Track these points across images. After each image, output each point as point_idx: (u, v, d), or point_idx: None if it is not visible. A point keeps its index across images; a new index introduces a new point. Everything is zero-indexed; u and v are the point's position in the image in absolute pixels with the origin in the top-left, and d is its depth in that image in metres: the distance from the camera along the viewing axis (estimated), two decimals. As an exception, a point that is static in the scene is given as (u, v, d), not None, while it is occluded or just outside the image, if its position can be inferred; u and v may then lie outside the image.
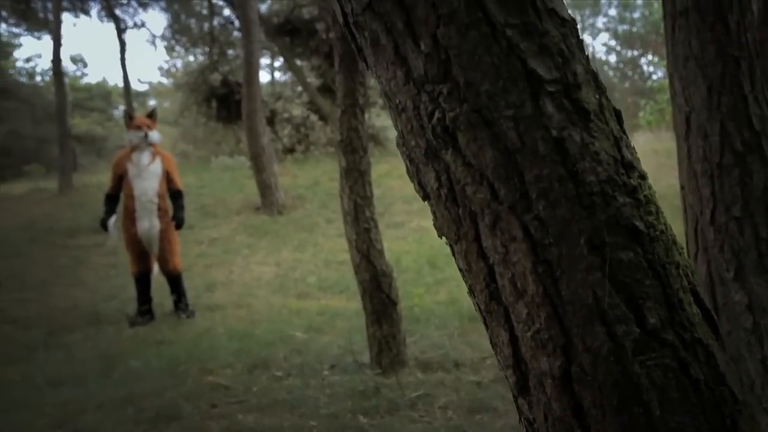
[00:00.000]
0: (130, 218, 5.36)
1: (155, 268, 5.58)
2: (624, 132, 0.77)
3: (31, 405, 3.47)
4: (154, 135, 5.46)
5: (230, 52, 15.84)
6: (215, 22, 16.30)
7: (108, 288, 6.64)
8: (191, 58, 19.79)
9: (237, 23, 14.65)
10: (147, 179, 5.37)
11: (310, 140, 14.42)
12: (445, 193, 0.78)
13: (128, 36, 43.23)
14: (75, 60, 26.63)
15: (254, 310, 5.65)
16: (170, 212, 5.53)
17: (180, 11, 17.62)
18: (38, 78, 23.80)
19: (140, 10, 19.97)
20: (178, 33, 18.47)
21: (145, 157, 5.40)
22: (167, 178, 5.48)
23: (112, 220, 5.47)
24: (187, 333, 4.97)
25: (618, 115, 0.78)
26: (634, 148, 0.78)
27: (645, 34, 24.34)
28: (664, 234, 0.75)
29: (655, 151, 10.06)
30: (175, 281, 5.59)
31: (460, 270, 0.82)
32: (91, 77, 44.74)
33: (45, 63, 32.59)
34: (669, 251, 0.75)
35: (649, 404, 0.71)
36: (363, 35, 0.80)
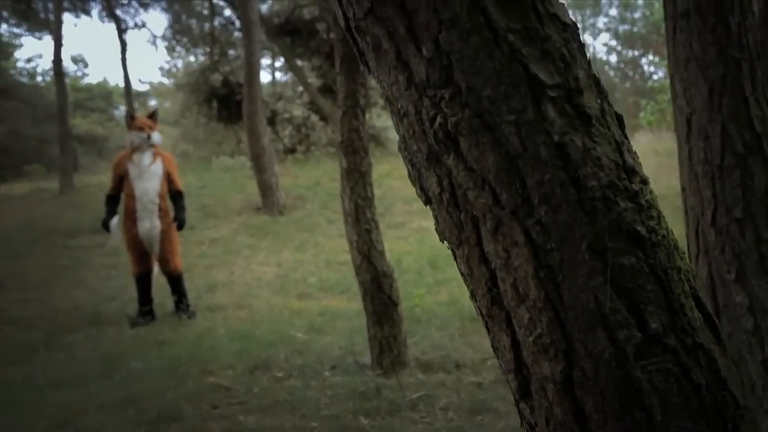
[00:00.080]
0: (131, 219, 5.37)
1: (155, 268, 5.59)
2: (626, 137, 0.77)
3: (32, 406, 3.47)
4: (156, 136, 5.47)
5: (231, 52, 15.85)
6: (216, 23, 16.31)
7: (109, 288, 6.64)
8: (192, 59, 19.83)
9: (238, 23, 14.66)
10: (148, 180, 5.38)
11: (311, 140, 14.43)
12: (446, 198, 0.78)
13: (129, 36, 43.23)
14: (76, 60, 26.67)
15: (255, 311, 5.65)
16: (171, 213, 5.54)
17: (181, 11, 17.62)
18: (39, 78, 23.84)
19: (141, 11, 19.98)
20: (179, 33, 18.48)
21: (146, 157, 5.40)
22: (168, 178, 5.49)
23: (115, 220, 5.48)
24: (188, 334, 4.98)
25: (620, 119, 0.78)
26: (635, 152, 0.78)
27: (646, 34, 24.34)
28: (666, 239, 0.75)
29: (656, 152, 10.06)
30: (175, 282, 5.60)
31: (462, 274, 0.82)
32: (92, 77, 44.76)
33: (46, 63, 32.68)
34: (670, 256, 0.75)
35: (650, 409, 0.71)
36: (365, 40, 0.81)
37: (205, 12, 16.90)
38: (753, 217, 1.80)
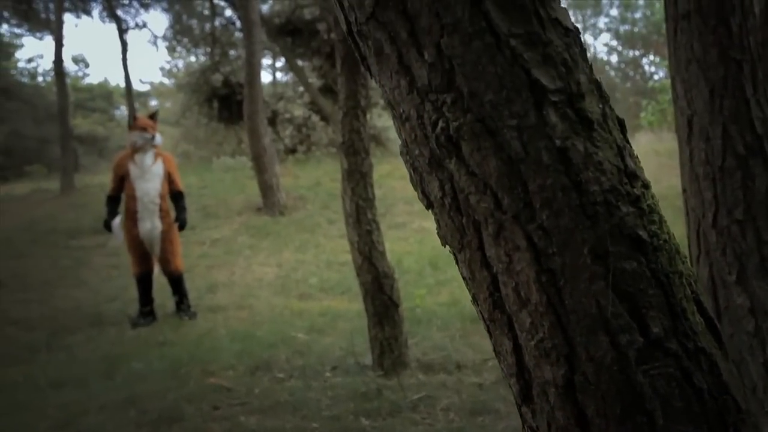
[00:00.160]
0: (131, 219, 5.37)
1: (156, 269, 5.59)
2: (627, 141, 0.78)
3: (33, 406, 3.47)
4: (158, 136, 5.48)
5: (232, 52, 15.85)
6: (217, 23, 16.32)
7: (110, 289, 6.65)
8: (193, 59, 19.84)
9: (238, 24, 14.66)
10: (149, 180, 5.38)
11: (312, 141, 14.43)
12: (448, 202, 0.78)
13: (130, 36, 43.24)
14: (77, 60, 26.66)
15: (256, 312, 5.65)
16: (172, 213, 5.54)
17: (181, 12, 17.62)
18: (40, 78, 23.83)
19: (142, 11, 19.98)
20: (180, 33, 18.48)
21: (148, 158, 5.41)
22: (169, 179, 5.50)
23: (117, 221, 5.48)
24: (189, 334, 4.98)
25: (621, 124, 0.78)
26: (637, 156, 0.78)
27: (647, 35, 24.33)
28: (668, 243, 0.75)
29: (657, 152, 10.06)
30: (176, 282, 5.60)
31: (464, 278, 0.82)
32: (93, 77, 44.78)
33: (47, 63, 32.62)
34: (672, 260, 0.75)
35: (652, 413, 0.71)
36: (366, 44, 0.81)
37: (206, 12, 16.90)
38: (754, 218, 1.80)
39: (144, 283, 5.48)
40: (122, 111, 24.70)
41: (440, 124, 0.75)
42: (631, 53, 27.31)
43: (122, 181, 5.43)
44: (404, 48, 0.76)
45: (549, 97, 0.72)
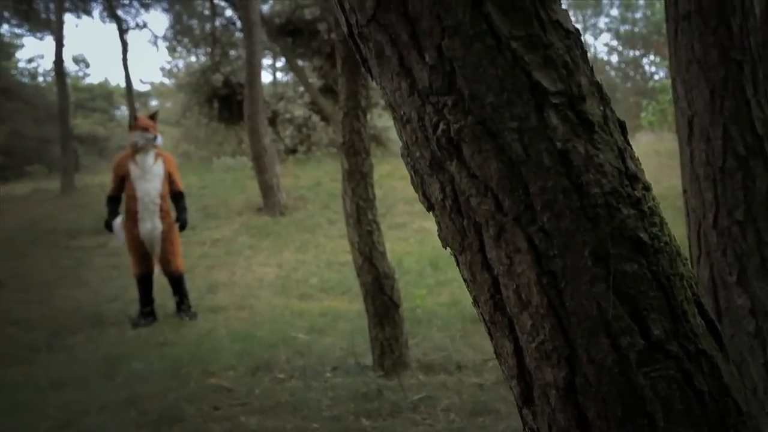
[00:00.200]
0: (132, 219, 5.37)
1: (157, 269, 5.59)
2: (628, 143, 0.78)
3: (33, 407, 3.48)
4: (159, 137, 5.49)
5: (232, 52, 15.85)
6: (217, 23, 16.32)
7: (110, 289, 6.65)
8: (193, 59, 19.82)
9: (239, 24, 14.67)
10: (150, 180, 5.39)
11: (312, 141, 14.42)
12: (449, 204, 0.78)
13: (130, 36, 43.24)
14: (77, 60, 26.69)
15: (256, 312, 5.66)
16: (172, 213, 5.54)
17: (182, 12, 17.63)
18: (40, 78, 23.84)
19: (142, 11, 19.99)
20: (180, 34, 18.48)
21: (149, 158, 5.41)
22: (169, 179, 5.50)
23: (118, 221, 5.48)
24: (190, 334, 4.98)
25: (622, 126, 0.78)
26: (638, 159, 0.78)
27: (647, 35, 24.32)
28: (669, 245, 0.75)
29: (657, 152, 10.06)
30: (177, 282, 5.60)
31: (465, 280, 0.82)
32: (93, 78, 44.77)
33: (47, 63, 32.61)
34: (673, 262, 0.75)
35: (653, 416, 0.71)
36: (367, 46, 0.81)
37: (207, 12, 16.91)
38: (754, 219, 1.80)
39: (144, 283, 5.48)
40: (123, 111, 24.71)
41: (441, 126, 0.75)
42: (631, 53, 27.31)
43: (123, 181, 5.43)
44: (405, 50, 0.76)
45: (550, 100, 0.72)
